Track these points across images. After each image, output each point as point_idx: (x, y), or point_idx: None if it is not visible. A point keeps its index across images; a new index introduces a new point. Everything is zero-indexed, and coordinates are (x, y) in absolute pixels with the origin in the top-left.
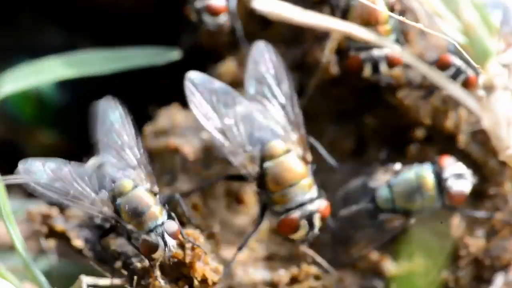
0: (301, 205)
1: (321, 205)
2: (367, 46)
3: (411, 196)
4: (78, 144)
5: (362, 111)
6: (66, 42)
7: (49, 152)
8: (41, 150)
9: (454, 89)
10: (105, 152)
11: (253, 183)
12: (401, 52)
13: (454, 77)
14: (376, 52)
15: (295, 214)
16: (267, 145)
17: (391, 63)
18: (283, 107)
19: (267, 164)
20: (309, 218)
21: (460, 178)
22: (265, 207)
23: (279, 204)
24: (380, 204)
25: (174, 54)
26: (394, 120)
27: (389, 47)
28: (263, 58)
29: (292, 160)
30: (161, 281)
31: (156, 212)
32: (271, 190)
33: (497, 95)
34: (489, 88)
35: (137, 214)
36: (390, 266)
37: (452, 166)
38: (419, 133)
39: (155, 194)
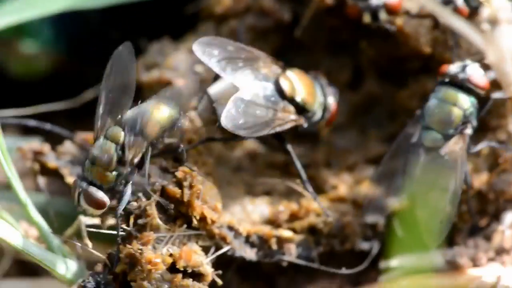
0: None
1: None
2: None
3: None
4: (61, 55)
5: (358, 42)
6: None
7: (31, 64)
8: (22, 62)
9: (457, 23)
10: None
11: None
12: None
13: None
14: (374, 1)
15: None
16: None
17: (390, 10)
18: None
19: None
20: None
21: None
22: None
23: None
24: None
25: None
26: (392, 50)
27: None
28: None
29: None
30: (158, 221)
31: None
32: None
33: (502, 29)
34: (494, 22)
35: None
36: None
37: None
38: (418, 63)
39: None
